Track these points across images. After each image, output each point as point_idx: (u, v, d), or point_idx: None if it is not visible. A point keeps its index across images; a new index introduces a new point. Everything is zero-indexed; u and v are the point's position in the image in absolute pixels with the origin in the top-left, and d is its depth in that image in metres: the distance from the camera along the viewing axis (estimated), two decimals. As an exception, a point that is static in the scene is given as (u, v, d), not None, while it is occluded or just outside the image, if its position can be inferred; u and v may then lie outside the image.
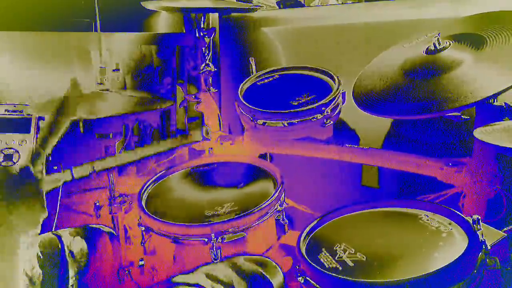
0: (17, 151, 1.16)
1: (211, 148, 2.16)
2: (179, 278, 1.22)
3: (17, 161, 1.12)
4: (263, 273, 1.32)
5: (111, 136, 1.97)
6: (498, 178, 1.52)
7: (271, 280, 1.31)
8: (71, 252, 1.30)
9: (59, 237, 1.32)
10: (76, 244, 1.32)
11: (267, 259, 1.41)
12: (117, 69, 2.31)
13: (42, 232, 1.35)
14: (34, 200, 1.01)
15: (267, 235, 1.67)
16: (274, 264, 1.39)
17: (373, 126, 2.10)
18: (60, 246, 1.30)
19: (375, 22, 2.09)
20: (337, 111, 1.82)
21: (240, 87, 1.99)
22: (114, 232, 1.44)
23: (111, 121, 2.06)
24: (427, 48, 1.57)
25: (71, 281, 1.27)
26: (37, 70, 2.13)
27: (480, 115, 1.49)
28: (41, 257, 1.23)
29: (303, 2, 2.62)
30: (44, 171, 1.08)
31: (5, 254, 0.94)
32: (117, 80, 2.31)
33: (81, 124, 2.15)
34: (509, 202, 1.50)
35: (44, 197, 1.04)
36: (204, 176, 1.90)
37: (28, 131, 1.21)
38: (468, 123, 1.57)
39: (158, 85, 2.54)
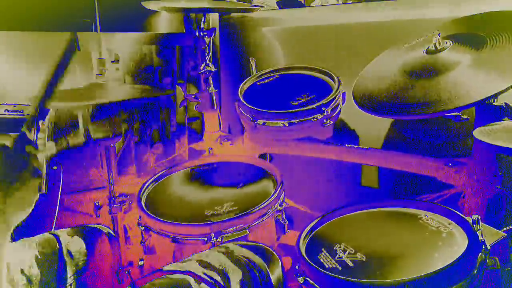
0: None
1: (211, 148, 2.16)
2: (170, 267, 1.20)
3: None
4: (259, 258, 1.30)
5: (111, 136, 1.97)
6: (498, 178, 1.52)
7: (266, 266, 1.29)
8: (69, 252, 1.30)
9: (57, 237, 1.32)
10: (74, 244, 1.32)
11: (261, 244, 1.39)
12: (116, 60, 2.31)
13: (41, 232, 1.35)
14: (30, 181, 0.99)
15: (267, 235, 1.67)
16: (269, 249, 1.37)
17: (373, 126, 2.10)
18: (58, 246, 1.30)
19: (375, 22, 2.09)
20: (337, 111, 1.82)
21: (240, 87, 1.98)
22: (113, 232, 1.44)
23: (112, 121, 2.06)
24: (427, 48, 1.57)
25: (69, 281, 1.27)
26: (37, 70, 2.13)
27: (480, 115, 1.49)
28: (39, 257, 1.23)
29: (303, 2, 2.62)
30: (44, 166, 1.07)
31: None
32: (116, 71, 2.31)
33: (81, 124, 2.15)
34: (509, 202, 1.50)
35: (43, 179, 1.02)
36: (204, 176, 1.90)
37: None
38: (468, 123, 1.57)
39: (158, 85, 2.55)
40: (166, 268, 1.19)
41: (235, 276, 1.20)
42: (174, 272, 1.16)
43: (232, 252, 1.30)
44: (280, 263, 1.34)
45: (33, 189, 0.99)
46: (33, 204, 0.98)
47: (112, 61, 2.27)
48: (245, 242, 1.43)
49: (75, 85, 2.08)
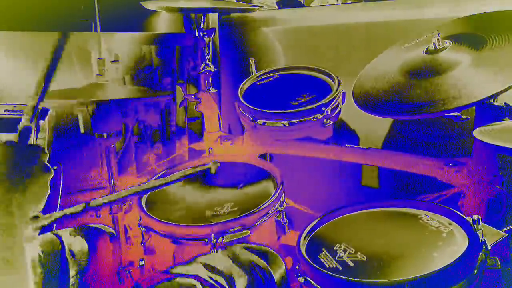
0: None
1: (211, 148, 2.16)
2: (177, 269, 1.21)
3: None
4: (264, 263, 1.31)
5: (111, 136, 1.97)
6: (498, 178, 1.52)
7: (272, 271, 1.30)
8: (71, 252, 1.30)
9: (60, 237, 1.32)
10: (76, 244, 1.33)
11: (267, 248, 1.40)
12: (116, 60, 2.31)
13: (42, 233, 1.35)
14: (42, 176, 1.02)
15: (267, 235, 1.67)
16: (275, 253, 1.37)
17: (373, 126, 2.11)
18: (60, 246, 1.30)
19: (375, 22, 2.10)
20: (337, 111, 1.82)
21: (240, 87, 1.99)
22: (115, 232, 1.44)
23: (112, 121, 2.06)
24: (426, 48, 1.57)
25: (71, 281, 1.27)
26: (37, 70, 2.13)
27: (480, 115, 1.49)
28: (42, 256, 1.23)
29: (302, 2, 2.62)
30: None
31: (12, 235, 0.96)
32: (116, 71, 2.30)
33: (81, 124, 2.15)
34: (509, 202, 1.50)
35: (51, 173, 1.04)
36: (204, 177, 1.90)
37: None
38: (468, 123, 1.57)
39: (158, 85, 2.55)
40: (173, 270, 1.20)
41: (241, 281, 1.21)
42: (181, 275, 1.16)
43: (238, 256, 1.30)
44: (284, 266, 1.34)
45: (45, 184, 1.01)
46: (46, 199, 1.01)
47: (112, 61, 2.27)
48: (249, 245, 1.43)
49: (75, 85, 2.08)
